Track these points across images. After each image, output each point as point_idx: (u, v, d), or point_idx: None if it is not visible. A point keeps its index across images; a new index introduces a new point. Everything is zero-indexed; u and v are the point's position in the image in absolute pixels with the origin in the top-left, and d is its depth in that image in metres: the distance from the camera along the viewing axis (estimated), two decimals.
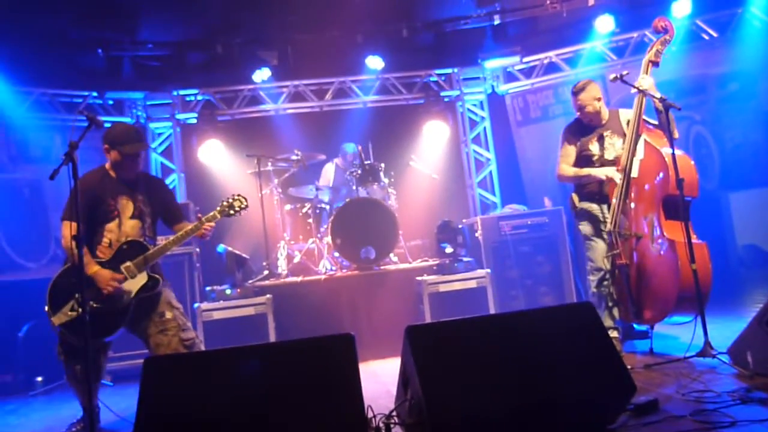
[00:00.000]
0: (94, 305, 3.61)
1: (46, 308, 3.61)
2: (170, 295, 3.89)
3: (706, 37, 7.32)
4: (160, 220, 4.05)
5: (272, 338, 5.44)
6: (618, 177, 4.34)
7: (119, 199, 3.80)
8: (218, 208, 3.94)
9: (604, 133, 4.55)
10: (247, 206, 4.05)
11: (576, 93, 4.57)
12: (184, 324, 3.82)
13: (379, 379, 4.62)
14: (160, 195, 4.00)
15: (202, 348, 3.88)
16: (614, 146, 4.51)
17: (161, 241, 3.89)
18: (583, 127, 4.63)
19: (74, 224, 3.09)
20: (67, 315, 3.56)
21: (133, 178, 3.88)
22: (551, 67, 8.00)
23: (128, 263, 3.70)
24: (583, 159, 4.57)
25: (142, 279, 3.73)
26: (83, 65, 7.22)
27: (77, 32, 6.93)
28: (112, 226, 3.76)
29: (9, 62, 6.52)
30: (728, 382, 3.37)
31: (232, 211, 3.98)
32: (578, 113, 4.62)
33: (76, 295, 3.53)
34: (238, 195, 4.05)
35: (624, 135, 4.47)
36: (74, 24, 6.77)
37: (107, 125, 7.28)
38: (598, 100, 4.53)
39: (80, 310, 3.51)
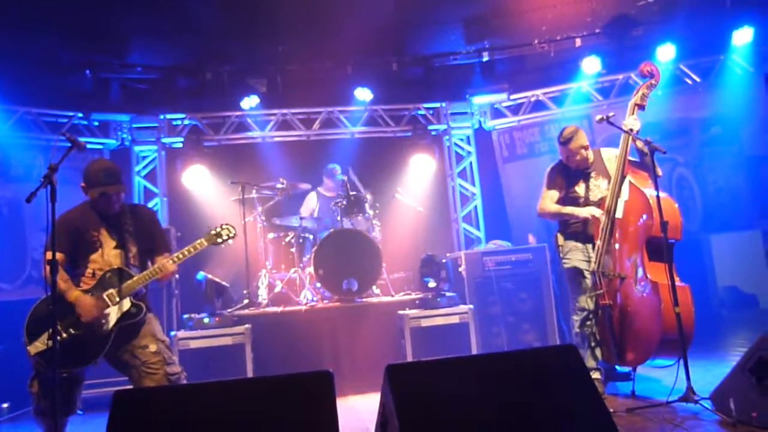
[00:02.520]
0: (73, 332, 3.51)
1: (24, 338, 3.49)
2: (156, 328, 3.79)
3: (690, 82, 7.47)
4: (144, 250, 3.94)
5: (249, 369, 5.33)
6: (599, 213, 4.36)
7: (101, 230, 3.74)
8: (205, 237, 3.88)
9: (590, 174, 4.59)
10: (235, 235, 4.01)
11: (564, 143, 4.55)
12: (169, 358, 3.72)
13: (358, 415, 4.52)
14: (144, 226, 3.90)
15: (185, 382, 3.76)
16: (599, 187, 4.54)
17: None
18: (569, 170, 4.65)
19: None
20: (44, 344, 3.42)
21: (116, 212, 3.80)
22: (538, 105, 8.10)
23: (111, 290, 3.62)
24: (569, 200, 4.59)
25: (125, 305, 3.64)
26: (70, 86, 7.17)
27: (66, 53, 6.89)
28: (95, 256, 3.70)
29: None
30: (711, 430, 3.34)
31: (219, 240, 3.93)
32: (566, 161, 4.63)
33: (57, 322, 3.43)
34: (227, 224, 4.02)
35: (608, 176, 4.51)
36: (63, 44, 6.74)
37: (95, 147, 7.30)
38: (586, 148, 4.54)
39: (60, 337, 3.42)
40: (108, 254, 3.72)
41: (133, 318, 3.64)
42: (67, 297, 3.51)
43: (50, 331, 3.32)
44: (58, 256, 3.44)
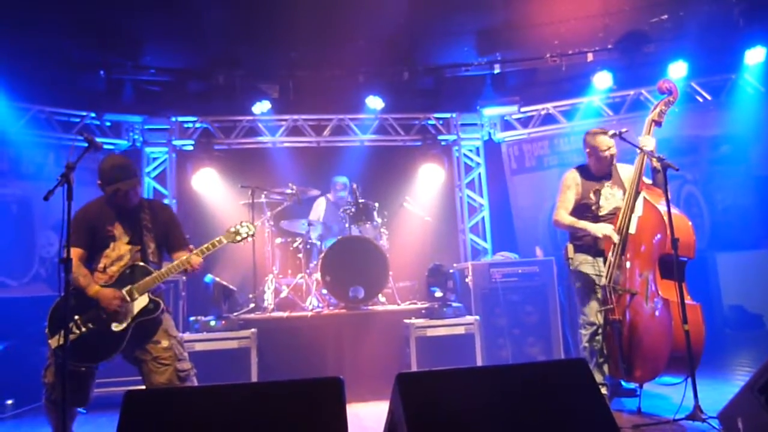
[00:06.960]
0: (92, 327, 3.54)
1: (46, 330, 3.52)
2: (169, 324, 3.80)
3: (701, 100, 7.47)
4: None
5: (254, 374, 5.32)
6: (616, 237, 4.32)
7: (117, 225, 3.75)
8: (224, 235, 3.87)
9: (606, 184, 4.59)
10: (254, 233, 3.99)
11: (596, 134, 4.57)
12: (180, 354, 3.72)
13: (362, 422, 4.51)
14: (162, 221, 3.89)
15: (195, 381, 3.76)
16: (615, 196, 4.55)
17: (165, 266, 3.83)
18: (590, 174, 4.64)
19: (74, 250, 3.20)
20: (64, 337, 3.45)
21: (134, 206, 3.81)
22: (548, 119, 8.11)
23: (129, 286, 3.64)
24: (582, 207, 4.58)
25: (143, 301, 3.64)
26: (83, 85, 7.22)
27: (80, 53, 6.95)
28: (108, 251, 3.71)
29: (8, 77, 6.50)
30: None
31: (238, 237, 3.91)
32: (591, 156, 4.61)
33: (76, 317, 3.50)
34: (246, 221, 3.99)
35: (624, 187, 4.52)
36: (78, 45, 6.79)
37: (106, 147, 7.33)
38: (613, 154, 4.58)
39: (78, 331, 3.48)
40: (120, 249, 3.72)
41: (150, 314, 3.64)
42: (87, 292, 3.53)
43: (71, 324, 3.47)
44: (79, 251, 3.56)
